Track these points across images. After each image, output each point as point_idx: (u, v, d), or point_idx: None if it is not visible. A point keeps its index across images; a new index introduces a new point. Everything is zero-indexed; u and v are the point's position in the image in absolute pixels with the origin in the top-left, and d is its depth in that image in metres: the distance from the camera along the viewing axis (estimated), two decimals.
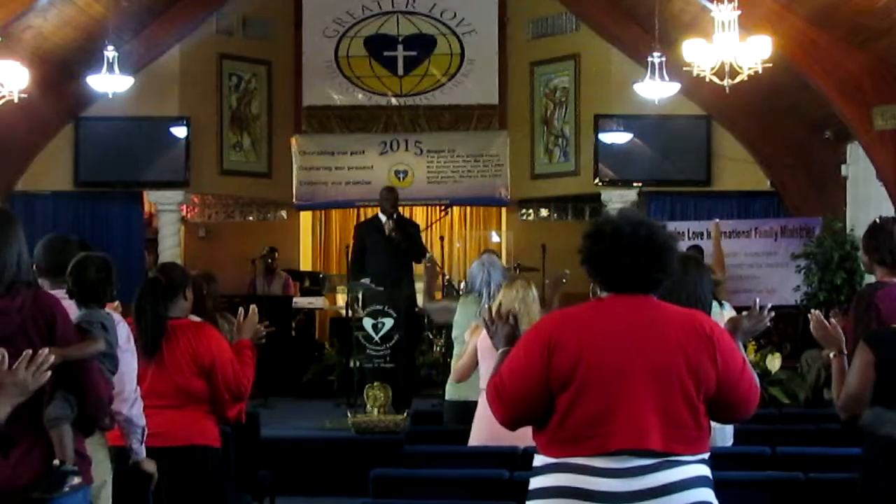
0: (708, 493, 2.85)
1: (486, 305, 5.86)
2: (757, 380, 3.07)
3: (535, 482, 2.90)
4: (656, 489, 2.76)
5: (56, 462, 3.21)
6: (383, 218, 9.69)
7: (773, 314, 3.66)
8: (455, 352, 6.24)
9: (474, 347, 5.24)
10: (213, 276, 6.07)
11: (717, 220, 10.69)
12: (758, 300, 3.66)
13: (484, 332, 5.10)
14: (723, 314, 4.97)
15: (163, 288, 4.56)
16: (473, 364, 5.31)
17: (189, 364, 4.46)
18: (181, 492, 4.44)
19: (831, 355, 3.94)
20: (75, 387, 3.29)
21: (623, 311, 2.91)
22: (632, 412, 2.78)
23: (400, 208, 12.78)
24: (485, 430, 5.02)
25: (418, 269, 9.88)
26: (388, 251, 9.37)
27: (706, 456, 2.89)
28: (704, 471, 2.86)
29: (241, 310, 4.90)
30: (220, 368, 4.49)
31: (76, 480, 3.24)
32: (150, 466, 4.25)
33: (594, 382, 2.82)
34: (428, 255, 8.16)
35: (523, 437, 4.53)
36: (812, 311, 4.10)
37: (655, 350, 2.83)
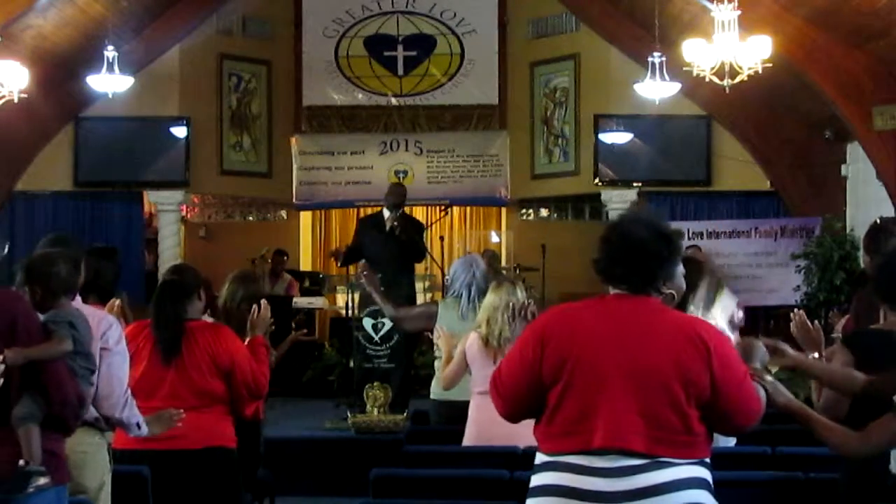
0: (703, 495, 2.80)
1: (463, 309, 5.87)
2: (762, 395, 3.03)
3: (533, 480, 2.91)
4: (646, 489, 2.74)
5: (21, 462, 3.20)
6: (386, 213, 9.23)
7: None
8: (435, 353, 6.23)
9: (462, 354, 5.23)
10: (251, 276, 5.98)
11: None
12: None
13: (472, 337, 5.13)
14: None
15: (179, 289, 4.55)
16: (462, 371, 5.30)
17: (208, 365, 4.45)
18: (199, 493, 4.44)
19: (810, 357, 3.91)
20: (42, 387, 3.26)
21: (618, 310, 2.91)
22: (612, 411, 2.77)
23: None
24: (475, 431, 5.05)
25: (419, 268, 9.81)
26: (388, 249, 8.98)
27: (704, 459, 2.85)
28: (699, 472, 2.82)
29: (254, 307, 4.91)
30: (238, 368, 4.49)
31: (42, 481, 3.22)
32: (157, 428, 4.23)
33: (580, 378, 2.82)
34: (361, 262, 7.76)
35: (517, 437, 4.60)
36: (795, 310, 4.07)
37: (642, 352, 2.81)
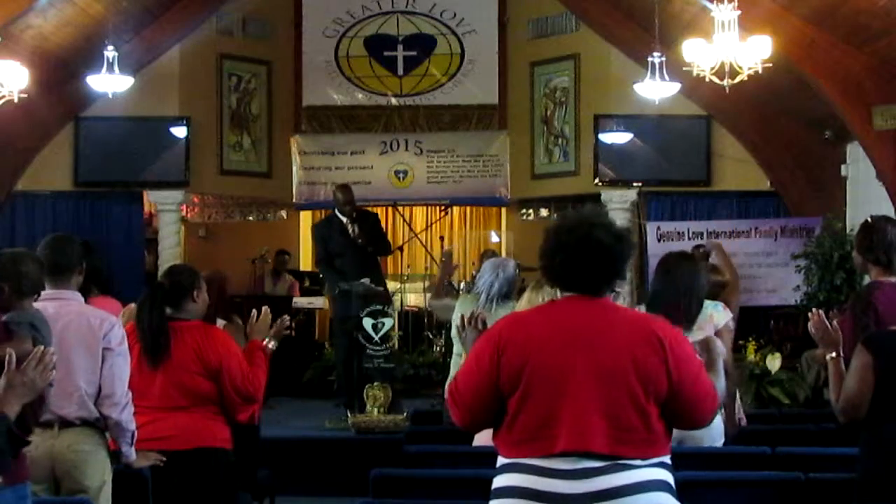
0: (664, 498, 2.80)
1: (480, 308, 5.86)
2: (720, 388, 3.03)
3: (495, 482, 2.91)
4: (606, 492, 2.74)
5: None
6: (344, 219, 8.98)
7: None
8: (455, 350, 6.23)
9: None
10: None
11: (719, 241, 10.29)
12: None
13: None
14: (711, 315, 4.93)
15: (166, 292, 4.54)
16: None
17: (195, 365, 4.45)
18: (191, 495, 4.44)
19: (828, 357, 3.91)
20: None
21: (573, 312, 2.90)
22: (575, 414, 2.77)
23: (400, 208, 12.85)
24: (487, 431, 5.02)
25: (418, 268, 9.75)
26: (355, 252, 8.88)
27: (665, 459, 2.85)
28: (660, 474, 2.82)
29: (254, 311, 4.90)
30: (227, 370, 4.47)
31: None
32: (143, 462, 4.24)
33: (540, 384, 2.82)
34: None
35: None
36: (813, 309, 4.07)
37: (601, 352, 2.81)
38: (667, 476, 2.84)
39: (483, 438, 4.97)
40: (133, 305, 4.76)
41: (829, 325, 3.94)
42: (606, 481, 2.74)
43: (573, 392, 2.78)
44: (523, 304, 5.10)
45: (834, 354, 3.89)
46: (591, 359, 2.80)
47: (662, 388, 2.80)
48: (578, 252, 2.89)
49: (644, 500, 2.76)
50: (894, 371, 3.67)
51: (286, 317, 5.02)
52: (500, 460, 2.91)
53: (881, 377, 3.66)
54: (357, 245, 8.85)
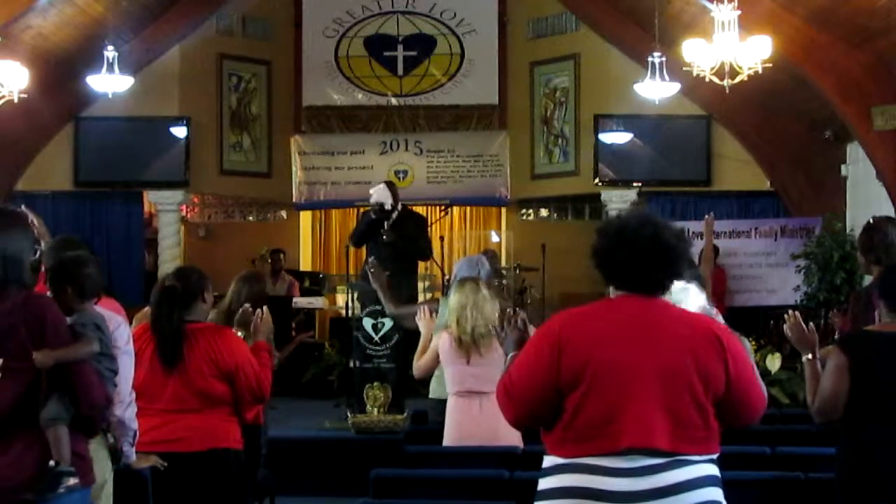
0: (717, 493, 2.85)
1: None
2: (765, 389, 3.07)
3: (544, 483, 2.89)
4: (665, 488, 2.76)
5: (52, 463, 3.22)
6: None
7: None
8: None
9: (435, 351, 5.27)
10: (256, 277, 5.99)
11: (710, 214, 10.39)
12: None
13: (444, 337, 5.16)
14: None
15: (179, 294, 4.53)
16: (433, 365, 5.39)
17: (210, 368, 4.44)
18: (206, 495, 4.44)
19: (804, 358, 3.92)
20: (70, 388, 3.28)
21: (632, 310, 2.91)
22: (639, 411, 2.78)
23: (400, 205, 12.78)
24: (455, 433, 5.08)
25: (424, 267, 9.64)
26: (388, 250, 8.82)
27: (714, 456, 2.89)
28: (713, 470, 2.87)
29: (258, 311, 4.91)
30: (242, 372, 4.48)
31: (72, 481, 3.24)
32: (143, 463, 4.24)
33: (603, 381, 2.81)
34: (370, 260, 7.60)
35: (498, 437, 4.61)
36: (789, 311, 4.06)
37: (664, 350, 2.83)
38: (717, 472, 2.89)
39: (449, 439, 5.02)
40: (148, 308, 4.76)
41: (804, 327, 3.94)
42: (667, 478, 2.77)
43: (637, 389, 2.80)
44: (452, 304, 5.16)
45: (810, 356, 3.90)
46: (653, 356, 2.82)
47: (721, 387, 2.84)
48: (646, 252, 2.90)
49: (700, 495, 2.80)
50: (870, 372, 3.67)
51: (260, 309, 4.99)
52: (551, 461, 2.89)
53: (857, 378, 3.67)
54: (389, 245, 8.83)
